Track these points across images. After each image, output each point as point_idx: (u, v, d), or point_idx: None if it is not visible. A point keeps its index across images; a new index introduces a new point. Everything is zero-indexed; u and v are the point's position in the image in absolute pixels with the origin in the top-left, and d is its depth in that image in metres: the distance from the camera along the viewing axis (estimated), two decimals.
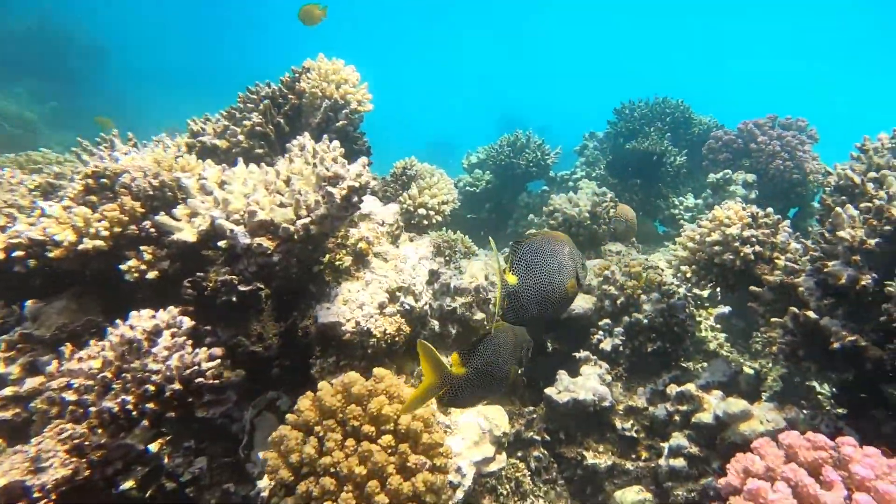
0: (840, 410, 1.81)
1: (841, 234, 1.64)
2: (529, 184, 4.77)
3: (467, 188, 4.83)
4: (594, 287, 2.43)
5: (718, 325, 2.58)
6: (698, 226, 2.15)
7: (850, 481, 1.19)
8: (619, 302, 2.31)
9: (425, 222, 2.55)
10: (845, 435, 1.70)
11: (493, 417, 1.84)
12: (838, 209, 1.70)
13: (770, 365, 2.35)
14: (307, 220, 1.68)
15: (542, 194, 5.08)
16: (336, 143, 1.79)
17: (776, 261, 1.96)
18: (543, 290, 1.06)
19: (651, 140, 4.49)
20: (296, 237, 1.68)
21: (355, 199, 1.75)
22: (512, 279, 1.04)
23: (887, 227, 1.56)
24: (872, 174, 1.85)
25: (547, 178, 5.16)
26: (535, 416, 2.15)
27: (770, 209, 2.05)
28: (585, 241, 2.71)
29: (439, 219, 2.59)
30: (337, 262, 1.90)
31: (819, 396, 1.97)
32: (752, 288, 1.95)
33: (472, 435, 1.73)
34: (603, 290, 2.37)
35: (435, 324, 2.10)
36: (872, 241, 1.57)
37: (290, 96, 2.44)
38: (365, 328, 1.78)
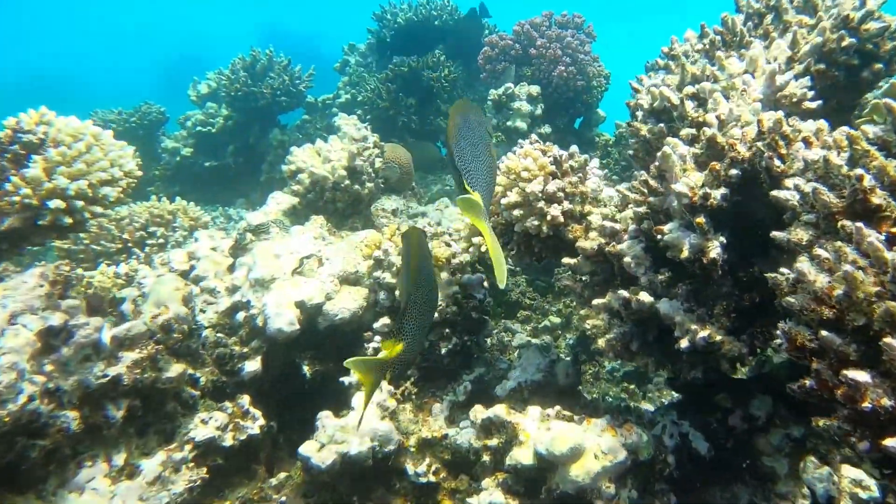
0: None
1: (676, 187, 1.14)
2: (283, 115, 3.72)
3: (199, 129, 3.58)
4: (363, 274, 1.70)
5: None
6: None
7: None
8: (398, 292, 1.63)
9: (68, 220, 1.46)
10: (692, 443, 1.34)
11: None
12: (667, 150, 1.19)
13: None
14: None
15: (302, 125, 4.09)
16: None
17: (589, 217, 1.45)
18: (490, 178, 1.06)
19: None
20: None
21: None
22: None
23: (733, 171, 1.10)
24: (689, 89, 1.39)
25: (306, 105, 4.15)
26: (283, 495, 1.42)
27: (575, 148, 1.51)
28: (345, 206, 1.92)
29: (98, 210, 1.51)
30: None
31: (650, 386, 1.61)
32: (567, 261, 1.42)
33: None
34: (375, 279, 1.66)
35: None
36: (717, 194, 1.10)
37: None
38: None
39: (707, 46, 1.46)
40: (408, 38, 4.12)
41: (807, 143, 1.03)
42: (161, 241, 2.27)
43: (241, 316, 1.53)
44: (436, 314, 1.56)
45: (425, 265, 1.14)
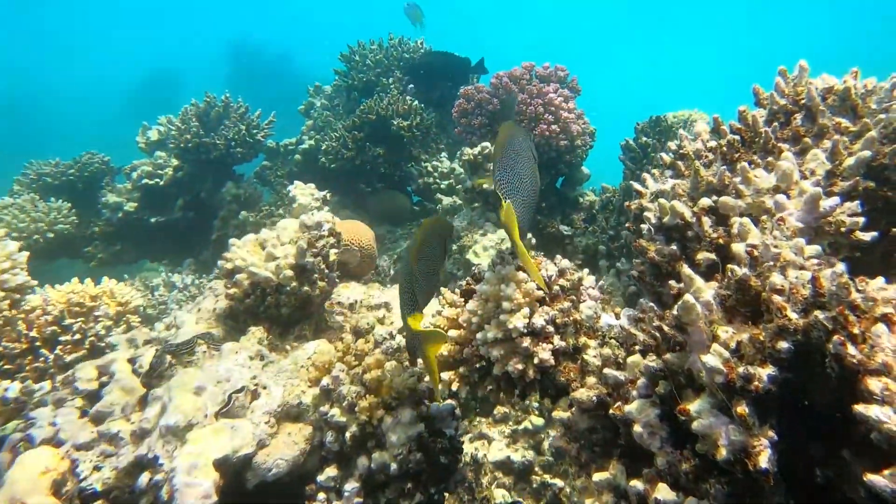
0: None
1: (707, 360, 0.87)
2: (239, 166, 3.39)
3: (145, 181, 3.23)
4: (308, 407, 1.38)
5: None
6: (450, 304, 1.23)
7: None
8: (349, 434, 1.30)
9: None
10: None
11: None
12: (689, 299, 0.92)
13: None
14: None
15: (262, 172, 3.78)
16: None
17: (585, 354, 1.16)
18: (531, 193, 1.09)
19: (391, 97, 3.52)
20: None
21: None
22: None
23: (782, 345, 0.83)
24: (705, 201, 1.13)
25: (266, 150, 3.84)
26: None
27: (566, 263, 1.23)
28: (292, 311, 1.59)
29: None
30: None
31: None
32: (559, 415, 1.13)
33: None
34: (322, 415, 1.34)
35: None
36: (763, 375, 0.83)
37: None
38: None
39: (723, 147, 1.21)
40: (377, 82, 3.87)
41: (889, 322, 0.76)
42: (78, 336, 1.90)
43: (144, 479, 1.19)
44: (393, 465, 1.26)
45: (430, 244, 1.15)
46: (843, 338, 0.76)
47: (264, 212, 3.13)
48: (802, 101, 1.19)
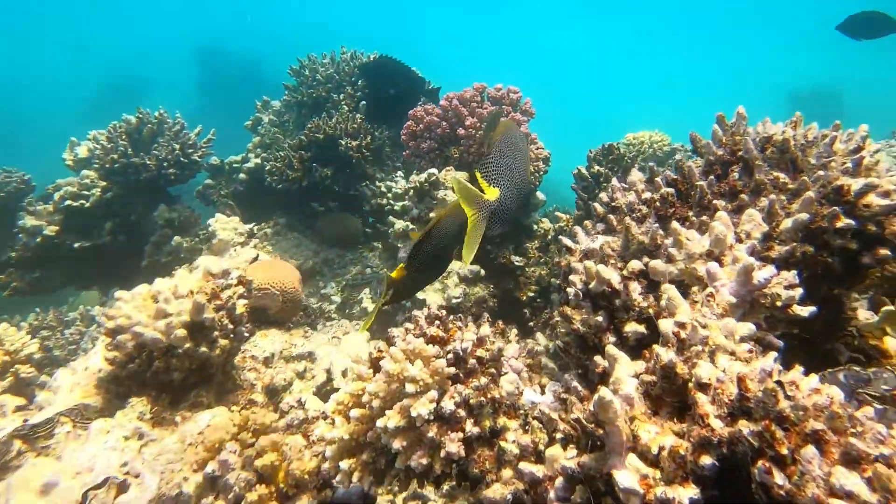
0: None
1: (620, 479, 0.74)
2: (174, 187, 3.17)
3: (68, 202, 2.98)
4: (189, 498, 1.20)
5: None
6: (356, 377, 1.08)
7: None
8: None
9: None
10: None
11: None
12: (605, 394, 0.79)
13: None
14: None
15: (204, 192, 3.56)
16: None
17: (503, 440, 1.03)
18: (521, 187, 1.09)
19: (341, 115, 3.36)
20: None
21: None
22: (492, 193, 1.03)
23: (705, 461, 0.70)
24: (636, 264, 1.01)
25: (211, 168, 3.62)
26: None
27: (485, 330, 1.09)
28: (186, 375, 1.37)
29: None
30: None
31: None
32: None
33: None
34: None
35: None
36: (684, 498, 0.70)
37: None
38: None
39: (657, 201, 1.09)
40: (328, 98, 3.70)
41: (820, 442, 0.64)
42: None
43: None
44: None
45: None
46: (768, 465, 0.64)
47: (201, 236, 2.92)
48: (740, 153, 1.08)
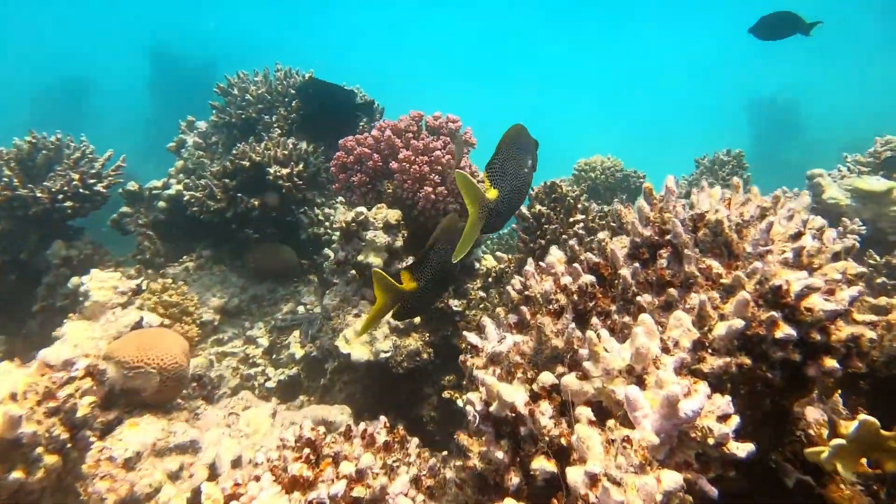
0: None
1: None
2: (75, 221, 2.84)
3: None
4: None
5: None
6: None
7: None
8: None
9: None
10: None
11: None
12: None
13: None
14: None
15: (120, 221, 3.24)
16: None
17: None
18: (519, 190, 1.08)
19: (270, 140, 3.11)
20: None
21: None
22: (492, 193, 1.02)
23: None
24: (548, 378, 0.83)
25: (128, 195, 3.30)
26: None
27: (368, 459, 0.89)
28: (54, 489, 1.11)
29: None
30: None
31: None
32: None
33: None
34: None
35: None
36: None
37: None
38: None
39: (575, 294, 0.92)
40: (259, 119, 3.45)
41: None
42: None
43: None
44: None
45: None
46: None
47: (71, 297, 2.59)
48: (668, 236, 0.93)
